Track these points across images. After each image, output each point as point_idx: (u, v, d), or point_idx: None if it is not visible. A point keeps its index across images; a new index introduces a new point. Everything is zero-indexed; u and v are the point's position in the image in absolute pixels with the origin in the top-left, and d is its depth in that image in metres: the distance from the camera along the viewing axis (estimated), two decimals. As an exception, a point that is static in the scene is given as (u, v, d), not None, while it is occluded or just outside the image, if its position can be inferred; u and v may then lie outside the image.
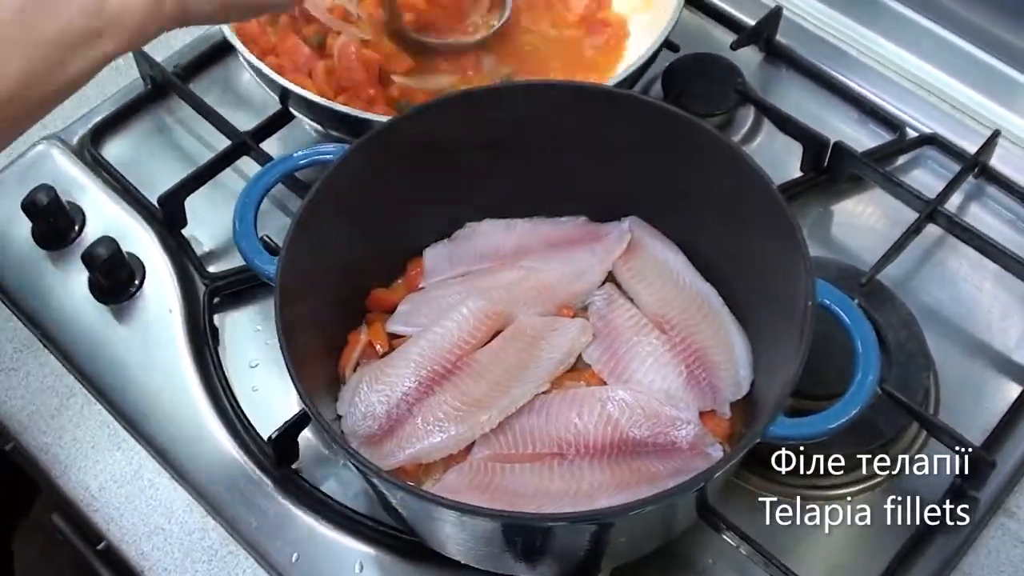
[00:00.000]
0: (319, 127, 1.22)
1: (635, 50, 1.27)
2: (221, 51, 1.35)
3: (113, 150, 1.31)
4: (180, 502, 1.07)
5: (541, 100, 1.05)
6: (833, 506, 1.05)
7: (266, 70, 1.15)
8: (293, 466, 1.08)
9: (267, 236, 1.13)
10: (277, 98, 1.22)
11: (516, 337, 1.03)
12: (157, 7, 0.85)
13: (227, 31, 1.18)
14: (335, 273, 1.01)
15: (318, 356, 1.00)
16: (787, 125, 1.27)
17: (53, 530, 1.17)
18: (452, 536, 0.94)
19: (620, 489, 0.94)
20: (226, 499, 1.07)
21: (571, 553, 0.93)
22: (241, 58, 1.19)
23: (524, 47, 1.30)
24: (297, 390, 0.88)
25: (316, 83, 1.20)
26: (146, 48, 1.32)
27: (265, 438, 1.06)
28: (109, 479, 1.09)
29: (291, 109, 1.22)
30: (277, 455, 1.06)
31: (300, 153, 1.04)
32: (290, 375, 0.88)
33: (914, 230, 1.17)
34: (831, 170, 1.25)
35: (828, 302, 0.92)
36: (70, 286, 1.19)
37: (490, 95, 1.07)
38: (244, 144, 1.23)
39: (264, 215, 1.14)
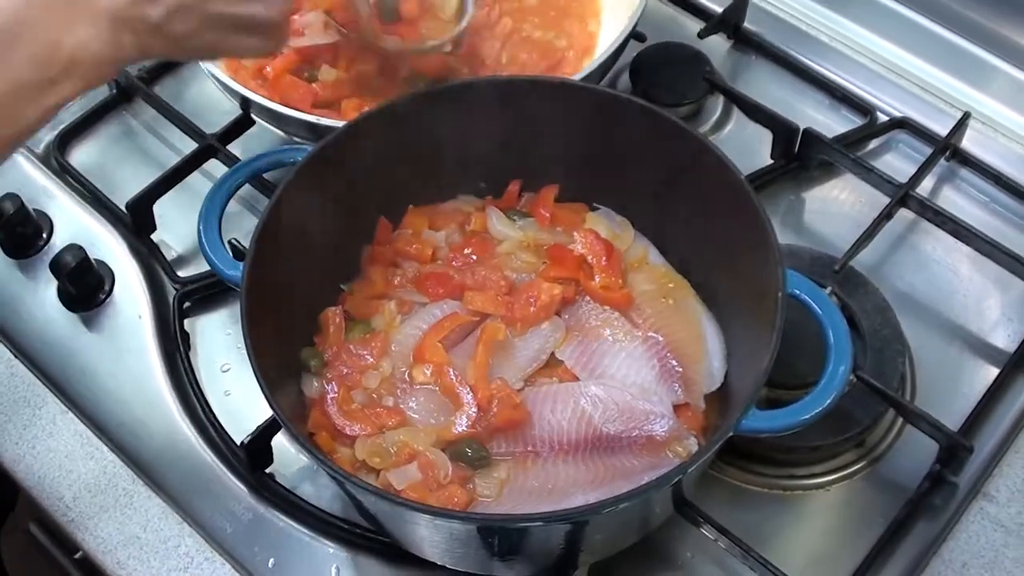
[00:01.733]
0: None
1: (604, 41, 1.26)
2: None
3: (80, 156, 1.30)
4: (155, 510, 1.06)
5: (501, 96, 1.05)
6: (812, 495, 1.05)
7: (225, 79, 1.15)
8: (267, 470, 1.07)
9: (235, 240, 1.12)
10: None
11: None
12: (115, 49, 0.83)
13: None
14: (300, 273, 1.00)
15: (286, 360, 1.00)
16: (756, 113, 1.26)
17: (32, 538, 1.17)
18: (426, 538, 0.94)
19: (595, 486, 0.94)
20: (201, 506, 1.06)
21: (547, 551, 0.93)
22: (201, 65, 1.18)
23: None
24: (268, 402, 0.88)
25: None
26: (110, 52, 1.31)
27: (238, 443, 1.05)
28: (83, 489, 1.08)
29: (252, 115, 1.21)
30: (251, 460, 1.06)
31: (263, 156, 1.03)
32: (260, 386, 0.88)
33: (886, 215, 1.16)
34: (802, 157, 1.24)
35: (799, 292, 0.92)
36: (39, 295, 1.19)
37: (450, 94, 1.06)
38: (211, 147, 1.22)
39: (235, 217, 1.15)
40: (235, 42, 0.93)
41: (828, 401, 0.87)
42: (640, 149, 1.04)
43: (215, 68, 1.17)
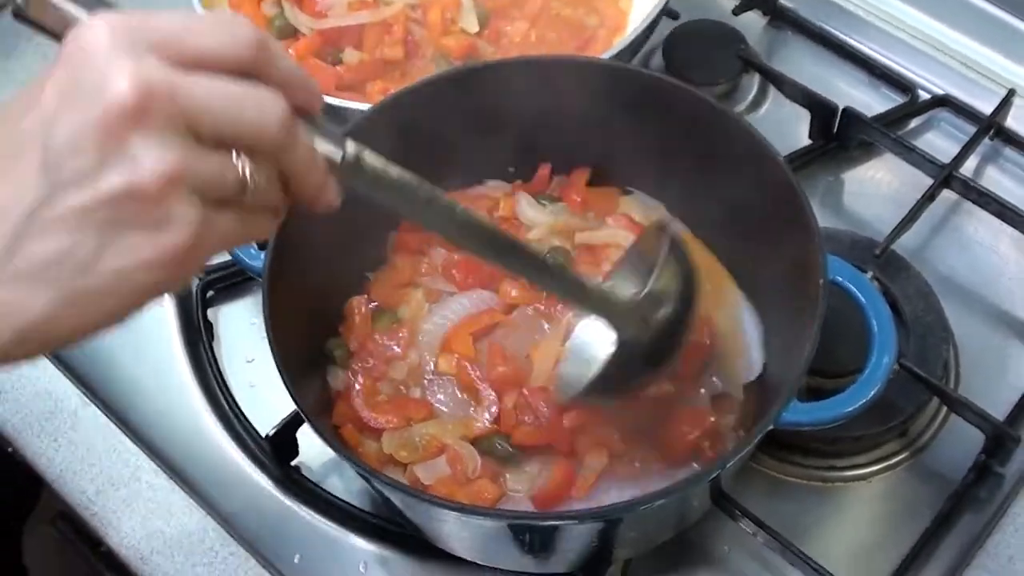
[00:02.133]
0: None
1: (637, 18, 1.22)
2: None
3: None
4: (179, 503, 1.04)
5: (529, 77, 1.02)
6: (854, 487, 1.03)
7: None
8: (293, 463, 1.05)
9: (259, 228, 1.10)
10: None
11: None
12: None
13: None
14: (324, 262, 0.98)
15: (311, 351, 0.98)
16: (793, 92, 1.23)
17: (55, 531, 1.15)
18: (455, 534, 0.92)
19: (631, 480, 0.91)
20: (225, 499, 1.04)
21: (580, 548, 0.91)
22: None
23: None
24: (291, 396, 0.86)
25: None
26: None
27: (263, 436, 1.04)
28: (106, 482, 1.06)
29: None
30: (276, 453, 1.04)
31: (285, 143, 1.01)
32: (283, 379, 0.86)
33: (928, 196, 1.13)
34: (841, 137, 1.21)
35: (841, 278, 0.89)
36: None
37: (477, 75, 1.03)
38: (233, 131, 1.19)
39: None
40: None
41: (872, 393, 0.84)
42: (673, 130, 1.01)
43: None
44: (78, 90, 0.55)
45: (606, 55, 1.11)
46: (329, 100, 1.09)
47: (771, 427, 0.83)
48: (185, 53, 0.57)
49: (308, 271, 0.95)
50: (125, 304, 0.60)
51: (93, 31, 0.56)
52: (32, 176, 0.56)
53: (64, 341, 0.61)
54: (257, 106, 0.59)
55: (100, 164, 0.55)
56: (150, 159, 0.55)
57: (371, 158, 0.65)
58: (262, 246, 0.92)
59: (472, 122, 1.03)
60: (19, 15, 0.60)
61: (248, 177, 0.59)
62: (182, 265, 0.59)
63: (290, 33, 1.24)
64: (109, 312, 0.60)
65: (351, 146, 0.64)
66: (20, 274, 0.57)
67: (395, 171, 0.67)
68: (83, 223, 0.56)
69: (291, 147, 0.61)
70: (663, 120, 1.01)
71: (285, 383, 0.86)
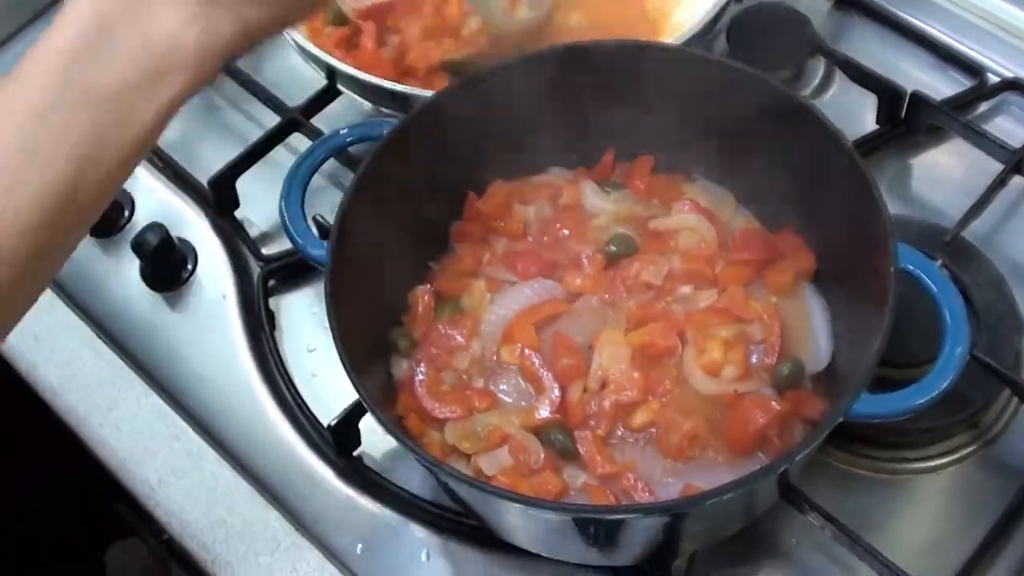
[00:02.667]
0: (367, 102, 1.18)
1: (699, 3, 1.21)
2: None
3: (160, 132, 1.28)
4: (241, 493, 1.04)
5: (592, 64, 1.01)
6: (923, 479, 1.01)
7: (309, 47, 1.13)
8: (355, 453, 1.05)
9: (320, 216, 1.10)
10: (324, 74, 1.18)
11: None
12: (210, 35, 0.76)
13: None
14: (387, 251, 0.98)
15: (374, 340, 0.97)
16: (860, 76, 1.21)
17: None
18: (520, 526, 0.91)
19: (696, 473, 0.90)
20: (288, 489, 1.04)
21: (646, 541, 0.89)
22: (287, 36, 1.15)
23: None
24: (355, 386, 0.86)
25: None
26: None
27: (325, 425, 1.03)
28: (168, 471, 1.06)
29: (338, 85, 1.18)
30: (338, 443, 1.03)
31: (345, 130, 1.01)
32: (345, 369, 0.85)
33: (999, 182, 1.11)
34: (909, 122, 1.18)
35: (911, 267, 0.87)
36: (122, 275, 1.17)
37: (539, 62, 1.02)
38: (294, 120, 1.19)
39: (320, 192, 1.13)
40: None
41: (945, 384, 0.83)
42: (739, 116, 1.00)
43: (298, 36, 1.14)
44: None
45: (675, 40, 1.10)
46: (390, 86, 1.09)
47: (841, 419, 0.81)
48: None
49: (370, 260, 0.95)
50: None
51: None
52: None
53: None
54: None
55: None
56: None
57: None
58: (324, 235, 0.92)
59: (536, 109, 1.02)
60: None
61: None
62: None
63: (345, 20, 1.22)
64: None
65: None
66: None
67: None
68: None
69: None
70: (728, 106, 1.00)
71: (348, 373, 0.85)
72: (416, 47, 1.19)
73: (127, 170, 0.75)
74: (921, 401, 0.83)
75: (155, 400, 1.10)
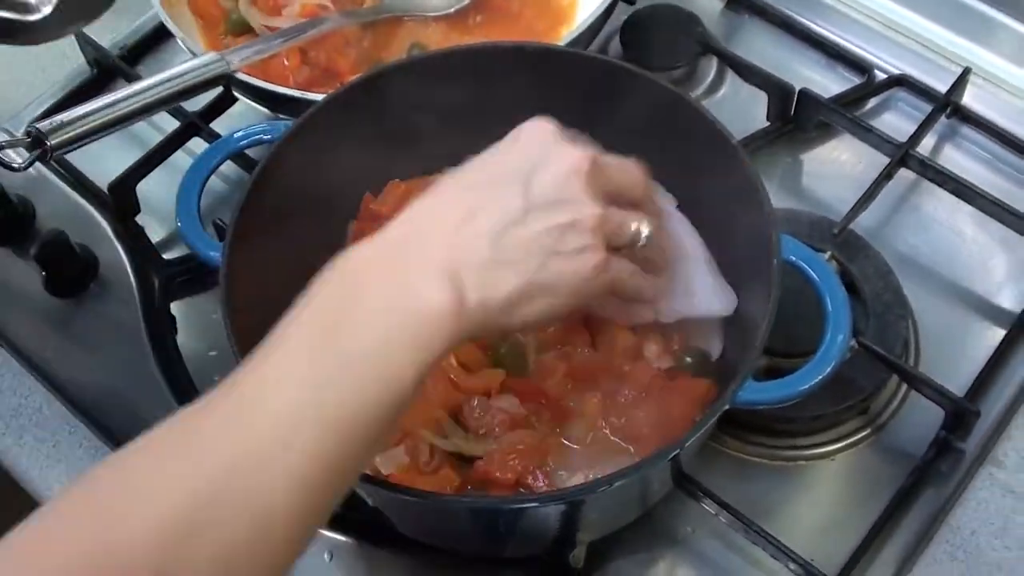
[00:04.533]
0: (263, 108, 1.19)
1: (589, 5, 1.23)
2: (167, 32, 1.30)
3: (61, 138, 1.27)
4: (146, 497, 1.04)
5: (482, 65, 1.02)
6: (816, 466, 1.03)
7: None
8: (258, 455, 1.05)
9: (220, 220, 1.10)
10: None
11: None
12: (455, 303, 0.73)
13: (163, 15, 1.16)
14: (284, 252, 0.97)
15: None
16: (750, 74, 1.23)
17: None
18: (418, 521, 0.92)
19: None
20: (193, 492, 1.04)
21: (542, 531, 0.91)
22: (180, 43, 1.16)
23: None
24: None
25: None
26: (90, 32, 1.28)
27: (228, 428, 1.03)
28: (74, 477, 1.05)
29: (234, 92, 1.18)
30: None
31: (240, 133, 1.01)
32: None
33: (885, 176, 1.14)
34: (798, 118, 1.21)
35: (795, 258, 0.90)
36: (23, 282, 1.16)
37: (433, 62, 1.04)
38: (192, 124, 1.19)
39: (223, 197, 1.16)
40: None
41: (827, 370, 0.85)
42: (629, 114, 1.01)
43: (194, 44, 1.15)
44: (551, 151, 0.81)
45: (562, 42, 1.12)
46: (287, 92, 1.10)
47: (727, 407, 0.83)
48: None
49: (268, 262, 0.95)
50: (559, 304, 0.79)
51: (548, 123, 0.83)
52: (517, 199, 0.78)
53: (515, 323, 0.78)
54: (640, 181, 0.87)
55: (558, 202, 0.79)
56: (588, 206, 0.79)
57: None
58: (221, 236, 0.92)
59: (430, 109, 1.03)
60: None
61: (639, 231, 0.84)
62: (590, 283, 0.80)
63: (245, 28, 1.23)
64: (549, 308, 0.79)
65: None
66: (499, 261, 0.76)
67: None
68: (541, 235, 0.77)
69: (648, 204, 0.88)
70: (620, 105, 1.01)
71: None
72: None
73: (384, 430, 0.71)
74: (804, 387, 0.85)
75: (58, 407, 1.10)
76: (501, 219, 0.77)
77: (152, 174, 1.19)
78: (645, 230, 0.84)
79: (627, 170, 0.86)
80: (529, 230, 0.77)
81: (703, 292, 0.97)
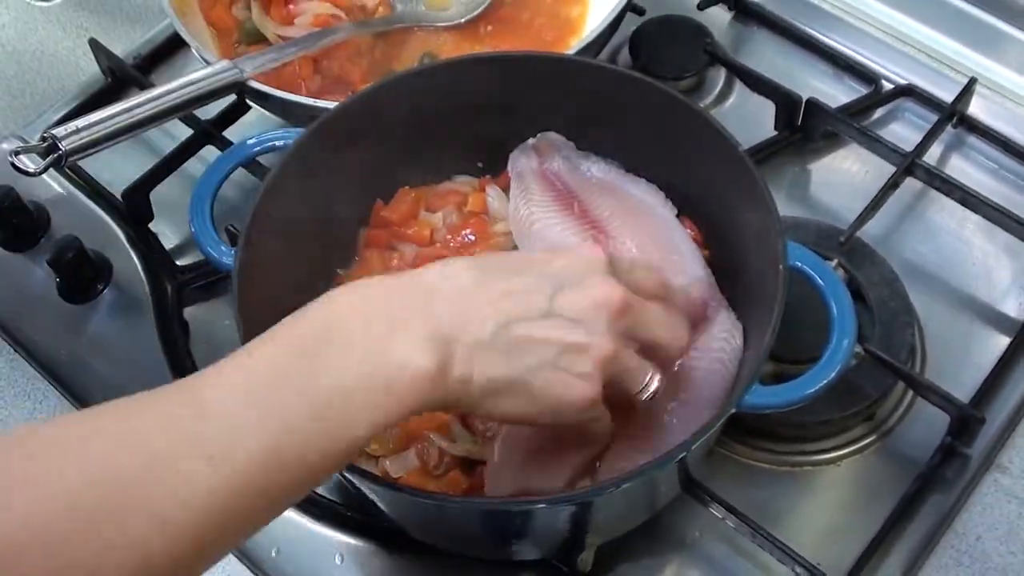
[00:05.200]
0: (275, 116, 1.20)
1: (598, 15, 1.24)
2: (180, 41, 1.32)
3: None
4: (158, 502, 1.05)
5: (495, 73, 1.03)
6: (823, 471, 1.04)
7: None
8: (270, 459, 1.06)
9: (232, 226, 1.11)
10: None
11: None
12: (439, 372, 0.72)
13: (177, 25, 1.17)
14: (295, 258, 0.99)
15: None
16: (758, 84, 1.24)
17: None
18: (428, 524, 0.93)
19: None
20: (204, 496, 1.05)
21: (551, 534, 0.92)
22: (195, 52, 1.17)
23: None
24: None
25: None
26: (104, 41, 1.30)
27: (240, 432, 1.04)
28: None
29: (247, 100, 1.20)
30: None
31: (252, 141, 1.02)
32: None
33: (892, 184, 1.14)
34: (805, 128, 1.22)
35: (801, 264, 0.90)
36: (38, 288, 1.18)
37: (443, 71, 1.05)
38: (206, 132, 1.21)
39: (235, 203, 1.15)
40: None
41: (832, 375, 0.85)
42: (640, 124, 1.02)
43: (208, 54, 1.16)
44: (593, 278, 0.78)
45: (571, 51, 1.13)
46: (299, 100, 1.11)
47: (733, 410, 0.84)
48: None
49: (279, 268, 0.96)
50: (534, 411, 0.77)
51: (599, 252, 0.81)
52: (541, 301, 0.76)
53: (485, 409, 0.77)
54: (675, 333, 0.84)
55: (578, 322, 0.76)
56: (607, 338, 0.77)
57: None
58: (234, 242, 0.93)
59: (441, 117, 1.04)
60: None
61: (647, 385, 0.81)
62: (571, 409, 0.78)
63: (258, 38, 1.25)
64: (525, 410, 0.77)
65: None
66: (497, 348, 0.74)
67: None
68: (548, 342, 0.76)
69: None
70: (630, 115, 1.02)
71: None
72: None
73: (317, 480, 0.71)
74: (810, 391, 0.85)
75: (72, 411, 1.10)
76: (515, 310, 0.76)
77: (166, 181, 1.20)
78: (653, 386, 0.81)
79: (664, 324, 0.83)
80: (538, 333, 0.76)
81: None
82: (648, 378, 0.81)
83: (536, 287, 0.77)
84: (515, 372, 0.75)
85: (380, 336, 0.72)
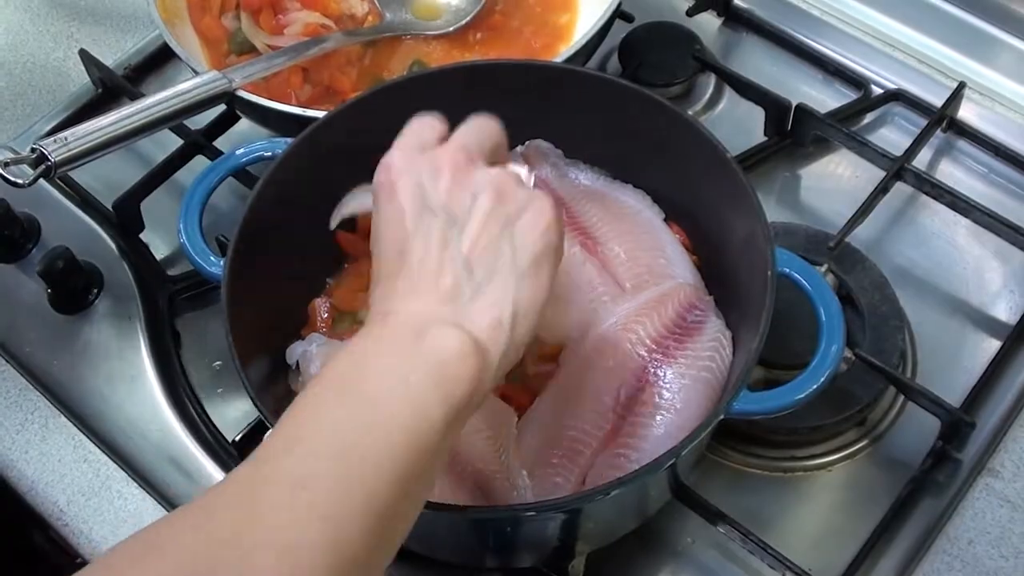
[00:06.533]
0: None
1: (587, 22, 1.24)
2: (170, 52, 1.31)
3: (66, 157, 1.28)
4: (149, 512, 1.05)
5: (478, 82, 1.03)
6: (814, 476, 1.04)
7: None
8: (261, 468, 1.06)
9: (222, 236, 1.11)
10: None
11: None
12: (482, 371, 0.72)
13: (167, 35, 1.17)
14: (284, 267, 0.99)
15: (275, 356, 0.98)
16: (747, 90, 1.24)
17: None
18: (417, 531, 0.92)
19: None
20: (195, 505, 1.05)
21: (540, 542, 0.92)
22: (185, 62, 1.17)
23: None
24: (253, 401, 0.87)
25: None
26: (94, 51, 1.30)
27: (230, 440, 1.05)
28: (77, 492, 1.07)
29: (236, 111, 1.20)
30: (243, 457, 1.04)
31: (242, 151, 1.02)
32: (244, 385, 0.87)
33: (882, 189, 1.14)
34: (795, 133, 1.22)
35: (790, 270, 0.90)
36: (28, 298, 1.18)
37: (433, 80, 1.05)
38: (196, 143, 1.21)
39: (226, 213, 1.16)
40: None
41: (821, 381, 0.85)
42: (628, 131, 1.03)
43: (198, 64, 1.16)
44: (430, 163, 0.79)
45: (560, 59, 1.13)
46: (288, 110, 1.11)
47: (722, 416, 0.84)
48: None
49: (268, 276, 0.96)
50: (552, 268, 0.76)
51: (400, 151, 0.81)
52: (439, 231, 0.75)
53: (520, 334, 0.75)
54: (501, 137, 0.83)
55: (473, 196, 0.76)
56: (490, 176, 0.77)
57: None
58: (223, 252, 0.93)
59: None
60: None
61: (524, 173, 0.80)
62: (552, 231, 0.76)
63: (248, 48, 1.25)
64: (544, 279, 0.76)
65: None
66: (477, 282, 0.74)
67: None
68: (492, 228, 0.75)
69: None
70: (618, 122, 1.02)
71: (246, 388, 0.87)
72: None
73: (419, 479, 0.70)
74: (799, 397, 0.85)
75: (63, 421, 1.11)
76: (438, 246, 0.75)
77: (156, 191, 1.21)
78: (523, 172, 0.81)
79: (482, 128, 0.83)
80: (473, 235, 0.75)
81: None
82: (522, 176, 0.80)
83: (422, 219, 0.76)
84: (505, 277, 0.74)
85: (408, 342, 0.72)
